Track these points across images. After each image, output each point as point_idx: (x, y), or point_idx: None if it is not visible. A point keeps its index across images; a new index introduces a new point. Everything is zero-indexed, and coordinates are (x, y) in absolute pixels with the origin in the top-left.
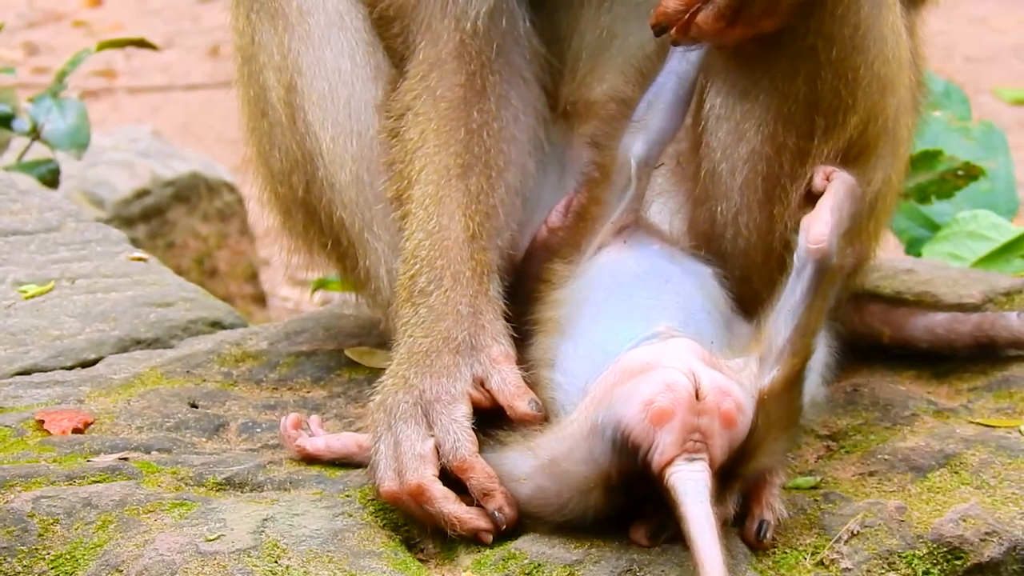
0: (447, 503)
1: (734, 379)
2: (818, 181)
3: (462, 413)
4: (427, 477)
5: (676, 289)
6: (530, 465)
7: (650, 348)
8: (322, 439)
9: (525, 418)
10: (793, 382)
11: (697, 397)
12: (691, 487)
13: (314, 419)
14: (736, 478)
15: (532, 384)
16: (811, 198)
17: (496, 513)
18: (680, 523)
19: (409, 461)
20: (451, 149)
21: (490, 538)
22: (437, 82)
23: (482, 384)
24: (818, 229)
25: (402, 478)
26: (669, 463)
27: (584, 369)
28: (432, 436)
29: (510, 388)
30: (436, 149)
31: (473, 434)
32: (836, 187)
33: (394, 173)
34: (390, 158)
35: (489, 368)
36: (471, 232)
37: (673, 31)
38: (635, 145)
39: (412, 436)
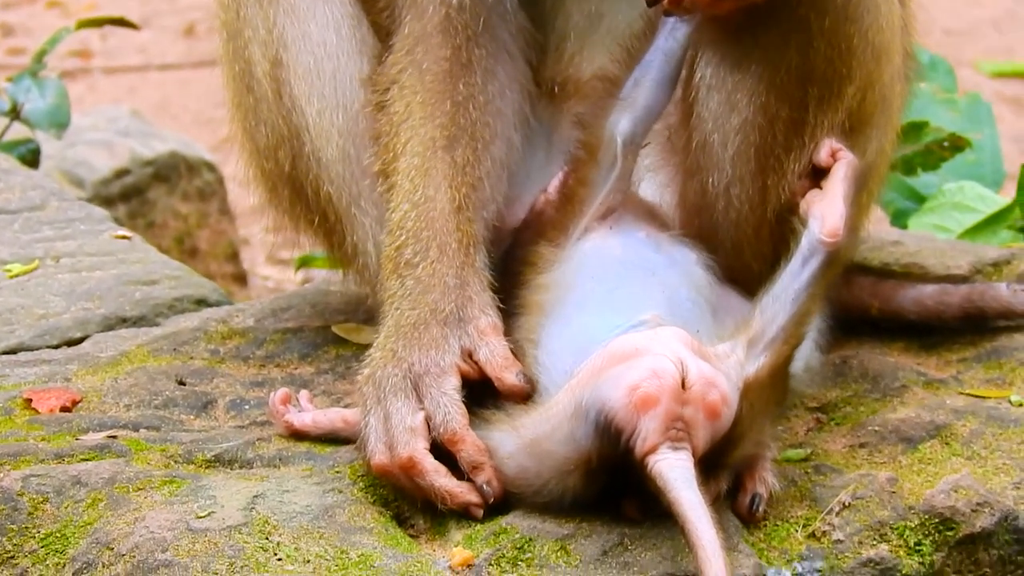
0: (438, 476)
1: (721, 370)
2: (824, 157)
3: (452, 385)
4: (418, 450)
5: (662, 280)
6: (513, 444)
7: (640, 334)
8: (310, 414)
9: (513, 391)
10: (781, 368)
11: (683, 386)
12: (678, 474)
13: (303, 394)
14: (720, 467)
15: (519, 358)
16: (815, 173)
17: (484, 487)
18: (670, 508)
19: (400, 434)
20: (437, 121)
21: (480, 513)
22: (423, 55)
23: (470, 356)
24: (833, 221)
25: (393, 451)
26: (652, 450)
27: (568, 353)
28: (422, 409)
29: (498, 360)
30: (422, 121)
31: (463, 407)
32: (845, 171)
33: (380, 146)
34: (376, 131)
35: (477, 340)
36: (457, 204)
37: (666, 2)
38: (621, 123)
39: (402, 409)
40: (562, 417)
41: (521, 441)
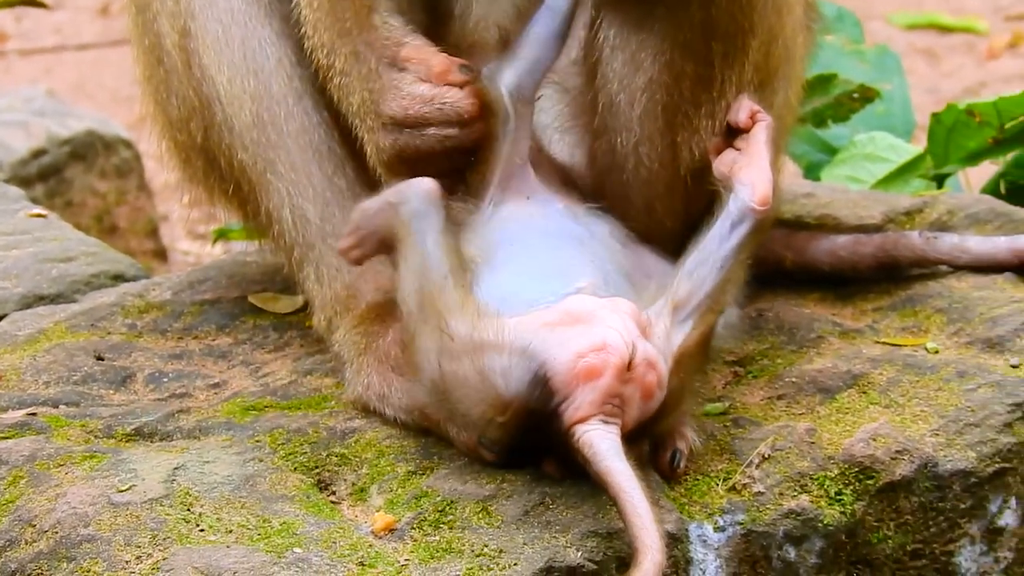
0: None
1: (658, 347)
2: (742, 118)
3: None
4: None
5: (590, 249)
6: (465, 330)
7: (597, 300)
8: None
9: (458, 84)
10: (707, 337)
11: (629, 366)
12: (608, 446)
13: None
14: (643, 437)
15: None
16: (729, 131)
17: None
18: (599, 479)
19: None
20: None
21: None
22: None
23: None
24: (764, 189)
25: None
26: (582, 420)
27: (504, 307)
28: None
29: (436, 68)
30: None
31: None
32: (766, 133)
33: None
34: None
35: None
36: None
37: None
38: (505, 76)
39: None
40: (509, 349)
41: (471, 335)
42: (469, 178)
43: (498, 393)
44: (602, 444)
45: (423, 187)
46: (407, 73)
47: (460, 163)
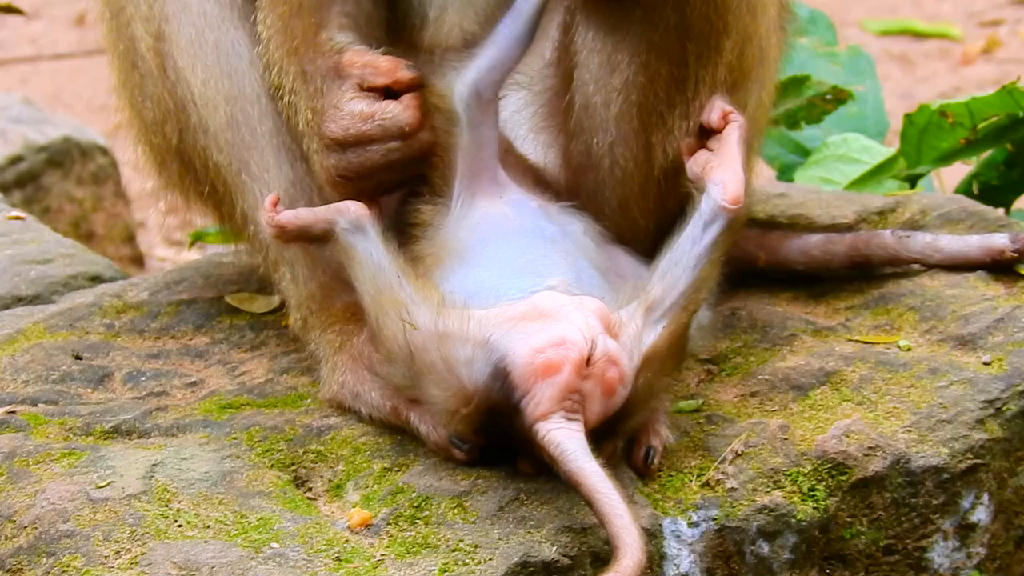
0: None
1: (625, 347)
2: (715, 118)
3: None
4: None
5: (563, 248)
6: (428, 318)
7: (564, 297)
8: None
9: (409, 81)
10: (680, 336)
11: (588, 362)
12: (573, 445)
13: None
14: (613, 435)
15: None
16: (702, 132)
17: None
18: (568, 478)
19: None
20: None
21: None
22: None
23: (360, 88)
24: (735, 188)
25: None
26: (543, 417)
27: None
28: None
29: (383, 68)
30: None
31: None
32: (739, 135)
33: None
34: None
35: (354, 71)
36: None
37: None
38: (463, 77)
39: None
40: (472, 339)
41: (435, 324)
42: (431, 179)
43: (462, 384)
44: (569, 444)
45: (352, 211)
46: (348, 83)
47: (410, 172)
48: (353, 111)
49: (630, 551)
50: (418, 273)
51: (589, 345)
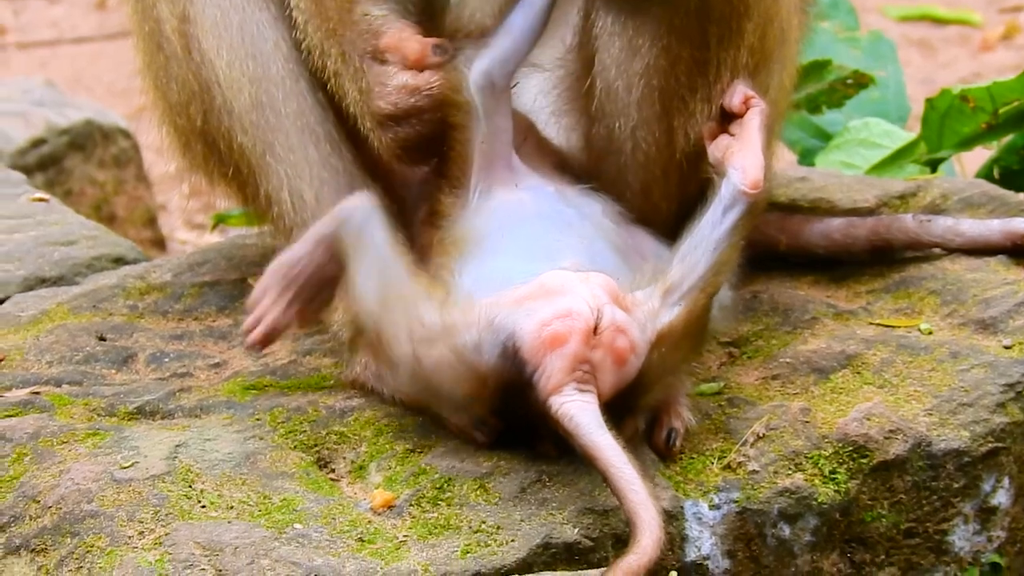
0: None
1: (636, 319)
2: (736, 103)
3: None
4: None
5: (579, 231)
6: (435, 316)
7: (570, 273)
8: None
9: (433, 64)
10: (697, 318)
11: (595, 331)
12: (587, 418)
13: None
14: (632, 411)
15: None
16: (724, 116)
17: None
18: (583, 452)
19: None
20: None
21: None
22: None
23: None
24: (755, 173)
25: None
26: (556, 390)
27: (487, 292)
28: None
29: (415, 50)
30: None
31: None
32: (760, 119)
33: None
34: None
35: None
36: None
37: None
38: (478, 65)
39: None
40: (478, 324)
41: (442, 318)
42: (449, 171)
43: (475, 369)
44: (583, 416)
45: (360, 202)
46: (388, 65)
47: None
48: (399, 84)
49: (648, 528)
50: (431, 266)
51: (595, 315)
